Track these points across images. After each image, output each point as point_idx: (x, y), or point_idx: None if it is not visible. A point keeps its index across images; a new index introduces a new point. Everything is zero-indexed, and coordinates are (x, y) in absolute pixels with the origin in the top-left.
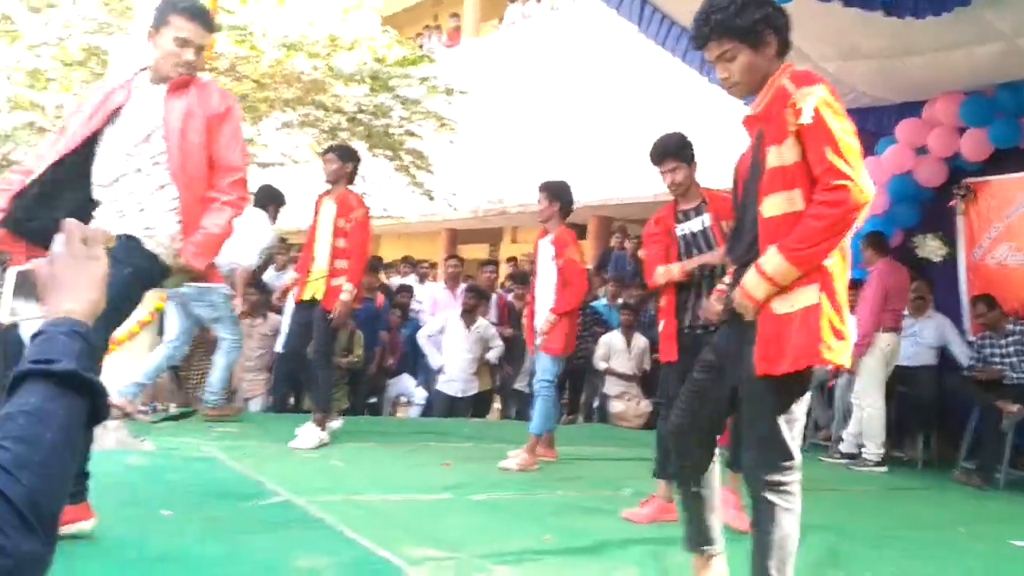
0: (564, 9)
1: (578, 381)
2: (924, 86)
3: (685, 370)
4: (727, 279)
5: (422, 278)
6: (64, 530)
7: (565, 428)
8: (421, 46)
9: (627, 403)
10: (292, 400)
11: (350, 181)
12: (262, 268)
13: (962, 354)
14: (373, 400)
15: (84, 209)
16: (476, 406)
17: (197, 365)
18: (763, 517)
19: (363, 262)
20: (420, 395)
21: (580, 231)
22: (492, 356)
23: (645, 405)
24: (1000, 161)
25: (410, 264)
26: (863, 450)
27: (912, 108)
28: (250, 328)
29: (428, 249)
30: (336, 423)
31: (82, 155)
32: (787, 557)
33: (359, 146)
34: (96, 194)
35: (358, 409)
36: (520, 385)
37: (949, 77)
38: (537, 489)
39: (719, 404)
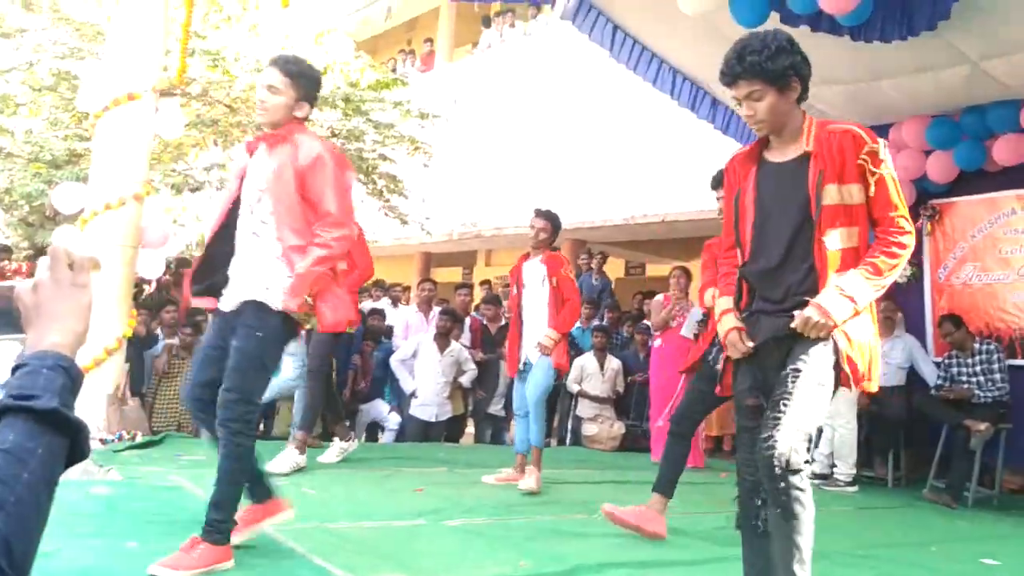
0: (537, 34)
1: (552, 403)
2: (892, 109)
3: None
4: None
5: (395, 302)
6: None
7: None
8: (395, 70)
9: (600, 425)
10: (260, 427)
11: None
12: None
13: (929, 373)
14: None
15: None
16: (449, 430)
17: (163, 393)
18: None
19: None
20: (393, 420)
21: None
22: (465, 380)
23: (618, 427)
24: (965, 183)
25: (382, 288)
26: (835, 470)
27: (880, 131)
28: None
29: (402, 272)
30: (351, 445)
31: (232, 218)
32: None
33: None
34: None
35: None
36: (494, 409)
37: (916, 101)
38: (512, 514)
39: None
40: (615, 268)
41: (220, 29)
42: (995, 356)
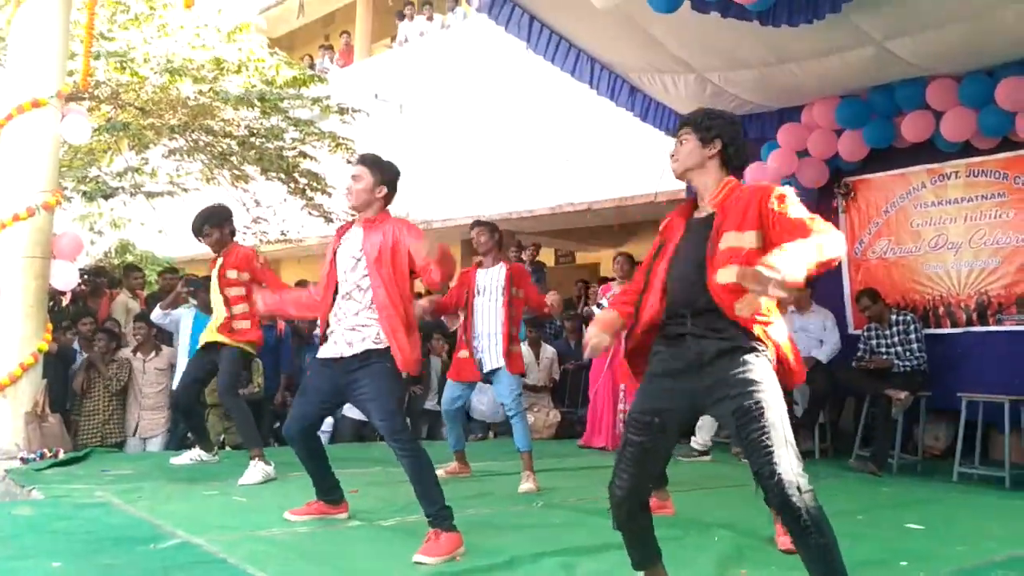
0: (457, 26)
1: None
2: (802, 91)
3: None
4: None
5: None
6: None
7: (475, 444)
8: (313, 66)
9: (537, 414)
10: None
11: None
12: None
13: (832, 343)
14: (277, 425)
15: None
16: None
17: (88, 408)
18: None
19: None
20: (326, 421)
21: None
22: None
23: (554, 415)
24: (877, 160)
25: (303, 287)
26: (692, 439)
27: (792, 113)
28: (144, 363)
29: None
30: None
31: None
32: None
33: (251, 170)
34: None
35: (264, 438)
36: (430, 404)
37: (825, 82)
38: None
39: (664, 455)
40: (545, 257)
41: (128, 30)
42: (912, 327)
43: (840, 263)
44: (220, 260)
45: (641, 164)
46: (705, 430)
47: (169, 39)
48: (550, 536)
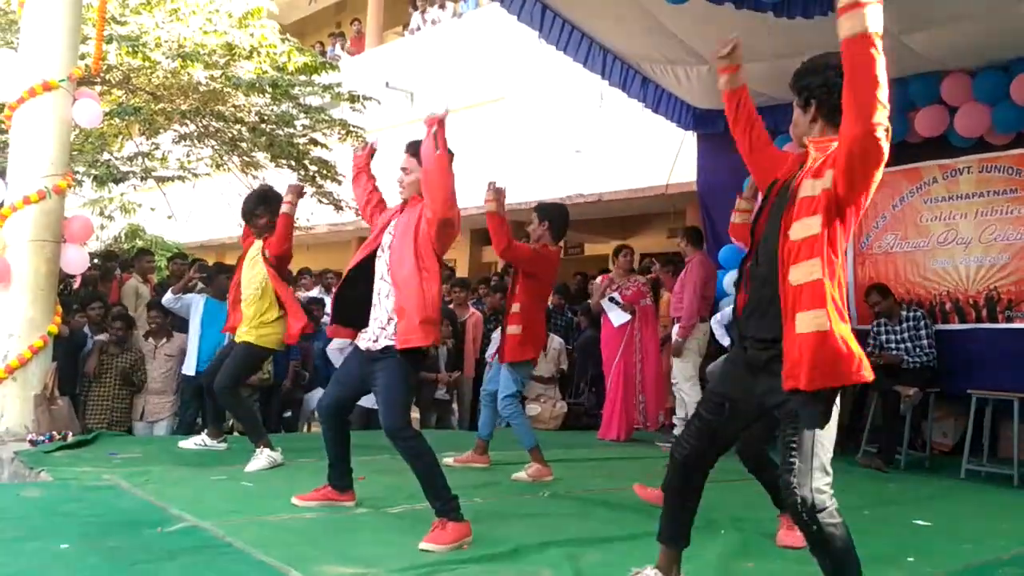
0: (470, 15)
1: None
2: None
3: None
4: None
5: (328, 289)
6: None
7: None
8: (324, 53)
9: (543, 405)
10: (200, 422)
11: None
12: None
13: None
14: (287, 415)
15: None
16: None
17: (95, 391)
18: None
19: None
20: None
21: (487, 236)
22: None
23: (561, 406)
24: (888, 154)
25: (309, 276)
26: (675, 430)
27: None
28: (155, 349)
29: (338, 259)
30: (221, 446)
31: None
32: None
33: (261, 157)
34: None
35: (272, 425)
36: (439, 394)
37: None
38: None
39: (730, 439)
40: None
41: (140, 14)
42: (922, 323)
43: (847, 255)
44: (260, 244)
45: (652, 156)
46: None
47: (181, 24)
48: (556, 526)
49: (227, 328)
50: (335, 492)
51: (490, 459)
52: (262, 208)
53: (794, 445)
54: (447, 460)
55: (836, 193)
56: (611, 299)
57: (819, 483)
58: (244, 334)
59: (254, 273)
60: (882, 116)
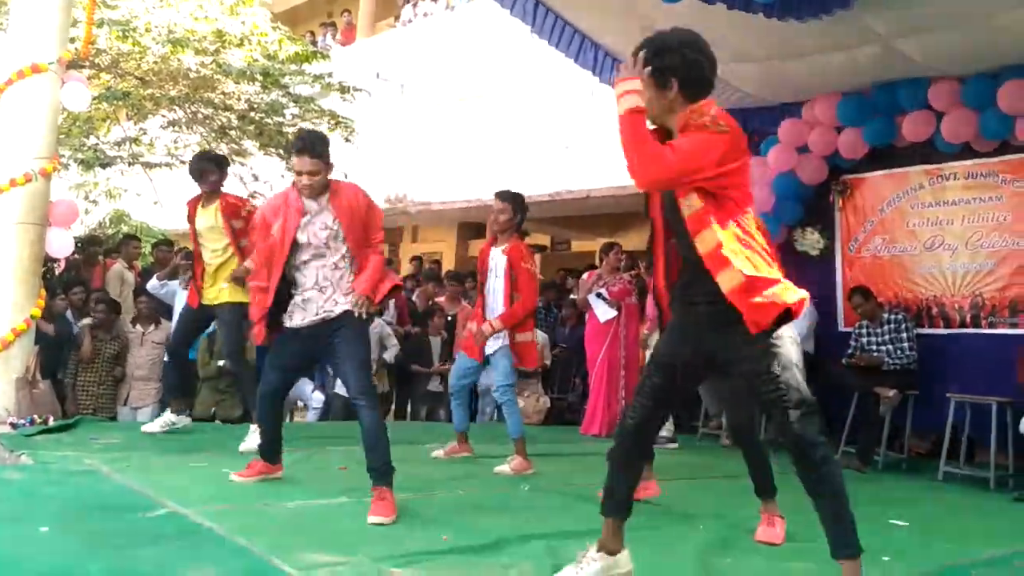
0: (461, 9)
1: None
2: (805, 87)
3: None
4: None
5: None
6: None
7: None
8: (315, 43)
9: (527, 399)
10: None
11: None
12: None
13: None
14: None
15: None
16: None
17: (91, 378)
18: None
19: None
20: (317, 399)
21: (479, 230)
22: (388, 356)
23: (544, 401)
24: (876, 159)
25: None
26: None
27: (793, 109)
28: (142, 335)
29: None
30: (184, 420)
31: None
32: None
33: (249, 145)
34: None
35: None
36: (432, 386)
37: (828, 78)
38: (436, 489)
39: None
40: (542, 244)
41: None
42: (903, 325)
43: (833, 259)
44: (214, 210)
45: None
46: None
47: (172, 9)
48: (537, 519)
49: (194, 302)
50: (269, 465)
51: (472, 448)
52: (211, 165)
53: (773, 390)
54: (436, 452)
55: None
56: (598, 294)
57: (810, 419)
58: (228, 294)
59: (216, 237)
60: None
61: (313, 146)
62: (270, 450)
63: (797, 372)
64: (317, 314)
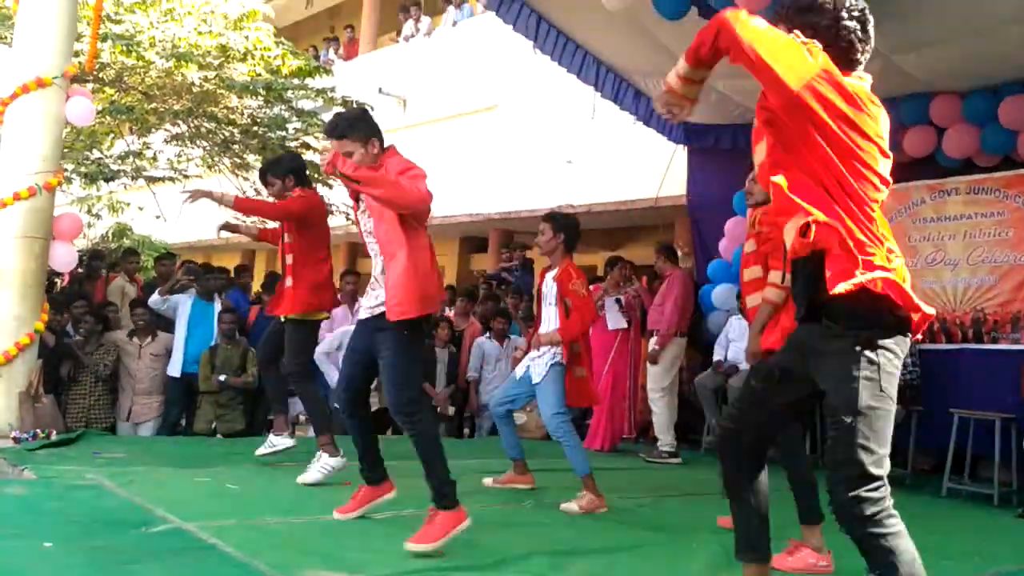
0: (463, 24)
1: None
2: None
3: None
4: None
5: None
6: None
7: (467, 441)
8: (318, 57)
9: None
10: (183, 423)
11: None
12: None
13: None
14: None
15: None
16: (377, 423)
17: (80, 391)
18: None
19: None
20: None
21: (482, 244)
22: None
23: None
24: None
25: None
26: (657, 442)
27: None
28: (139, 348)
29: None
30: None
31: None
32: None
33: (252, 159)
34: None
35: (258, 429)
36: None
37: None
38: None
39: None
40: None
41: (135, 13)
42: None
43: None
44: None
45: (643, 168)
46: (663, 431)
47: (176, 24)
48: (540, 535)
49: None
50: (371, 489)
51: (532, 477)
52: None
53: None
54: (486, 481)
55: None
56: (616, 300)
57: (865, 487)
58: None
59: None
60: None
61: (334, 127)
62: (369, 467)
63: None
64: (370, 306)
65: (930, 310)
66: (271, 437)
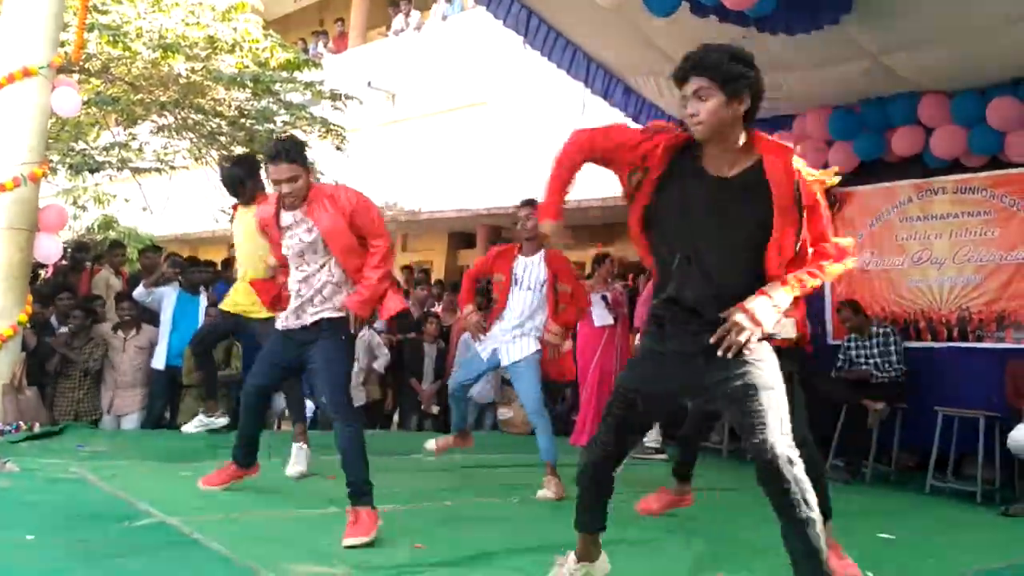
0: (453, 19)
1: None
2: (796, 101)
3: None
4: None
5: None
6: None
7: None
8: (307, 51)
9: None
10: (167, 416)
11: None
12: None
13: None
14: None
15: None
16: (367, 416)
17: (69, 384)
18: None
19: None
20: (307, 407)
21: (470, 239)
22: (379, 365)
23: None
24: (865, 172)
25: None
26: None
27: (784, 122)
28: (124, 342)
29: None
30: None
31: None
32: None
33: (240, 151)
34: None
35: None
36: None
37: (819, 93)
38: (424, 500)
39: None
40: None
41: (122, 3)
42: (892, 339)
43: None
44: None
45: None
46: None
47: (163, 15)
48: (525, 530)
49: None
50: (242, 469)
51: (473, 441)
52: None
53: (758, 403)
54: (428, 444)
55: None
56: (603, 296)
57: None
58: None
59: None
60: None
61: (287, 152)
62: (244, 451)
63: None
64: (299, 318)
65: None
66: (200, 416)
